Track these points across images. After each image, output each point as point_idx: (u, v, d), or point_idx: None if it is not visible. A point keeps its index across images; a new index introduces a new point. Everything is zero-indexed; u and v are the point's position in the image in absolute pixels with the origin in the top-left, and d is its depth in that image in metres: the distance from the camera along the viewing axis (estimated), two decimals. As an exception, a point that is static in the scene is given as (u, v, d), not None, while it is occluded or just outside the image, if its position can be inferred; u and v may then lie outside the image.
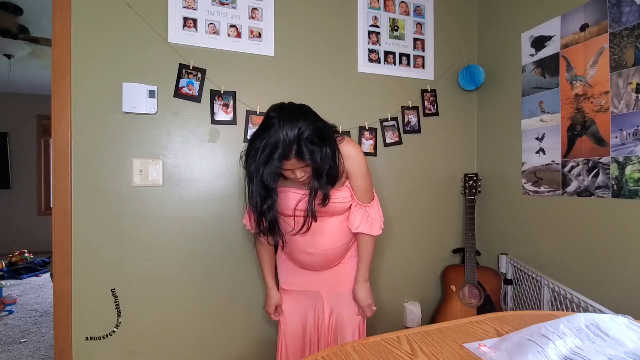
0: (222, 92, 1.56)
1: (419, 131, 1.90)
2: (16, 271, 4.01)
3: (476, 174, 1.88)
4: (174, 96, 1.50)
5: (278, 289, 1.39)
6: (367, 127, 1.78)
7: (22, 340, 2.42)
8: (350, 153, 1.16)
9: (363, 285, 1.30)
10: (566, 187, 1.52)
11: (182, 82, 1.50)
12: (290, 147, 0.98)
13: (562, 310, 1.47)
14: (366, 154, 1.74)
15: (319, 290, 1.34)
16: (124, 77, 1.43)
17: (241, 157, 1.10)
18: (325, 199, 1.12)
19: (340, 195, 1.20)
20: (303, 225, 1.13)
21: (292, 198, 1.17)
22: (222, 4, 1.56)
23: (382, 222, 1.29)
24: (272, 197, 1.08)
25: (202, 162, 1.55)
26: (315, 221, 1.14)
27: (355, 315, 1.35)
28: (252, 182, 1.06)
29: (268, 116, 1.03)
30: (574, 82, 1.48)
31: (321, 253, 1.26)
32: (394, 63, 1.85)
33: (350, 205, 1.25)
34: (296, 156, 0.99)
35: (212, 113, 1.55)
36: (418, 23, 1.90)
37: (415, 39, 1.89)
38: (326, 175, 1.07)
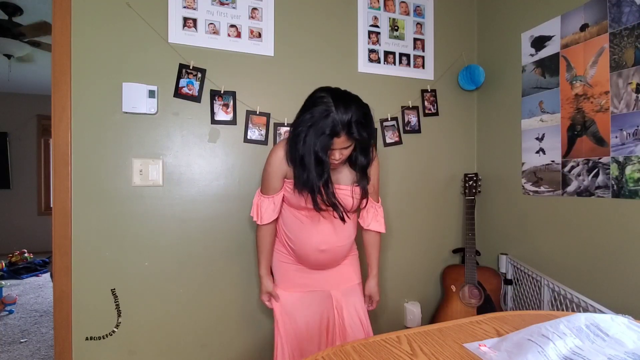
0: (222, 92, 1.56)
1: (419, 131, 1.90)
2: (16, 271, 4.01)
3: (476, 174, 1.88)
4: (174, 96, 1.50)
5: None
6: (367, 127, 1.78)
7: (22, 340, 2.42)
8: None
9: (376, 279, 1.41)
10: (566, 187, 1.52)
11: (182, 82, 1.50)
12: (344, 126, 1.06)
13: (562, 310, 1.47)
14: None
15: (328, 290, 1.34)
16: (124, 77, 1.43)
17: (292, 136, 1.14)
18: (368, 179, 1.25)
19: (357, 191, 1.27)
20: (360, 203, 1.26)
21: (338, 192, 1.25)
22: (222, 4, 1.56)
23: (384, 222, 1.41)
24: (327, 172, 1.13)
25: (202, 162, 1.55)
26: (366, 198, 1.26)
27: (362, 307, 1.37)
28: (303, 161, 1.11)
29: (318, 96, 1.10)
30: (574, 82, 1.48)
31: (333, 250, 1.29)
32: (394, 63, 1.85)
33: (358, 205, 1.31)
34: (346, 134, 1.07)
35: (212, 113, 1.55)
36: (418, 23, 1.90)
37: (415, 39, 1.89)
38: (364, 155, 1.20)
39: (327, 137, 1.06)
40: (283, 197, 1.28)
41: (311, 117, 1.07)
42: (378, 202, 1.38)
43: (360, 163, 1.21)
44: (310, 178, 1.12)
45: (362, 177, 1.24)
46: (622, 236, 1.32)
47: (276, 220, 1.33)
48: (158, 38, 1.47)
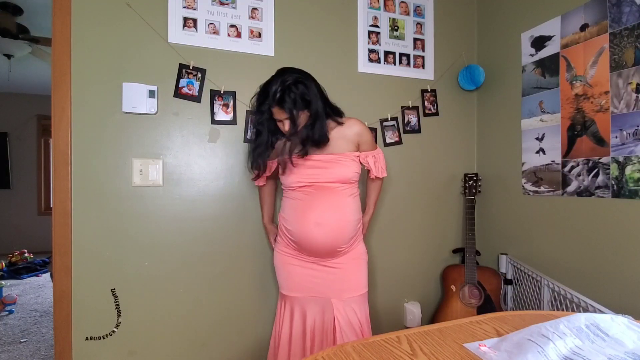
0: (222, 92, 1.56)
1: (419, 131, 1.90)
2: (16, 271, 4.01)
3: (476, 174, 1.88)
4: (174, 96, 1.50)
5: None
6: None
7: (22, 340, 2.42)
8: (358, 129, 1.35)
9: (369, 216, 1.54)
10: (566, 187, 1.52)
11: (182, 82, 1.50)
12: (274, 96, 1.18)
13: (562, 310, 1.47)
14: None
15: (330, 297, 1.33)
16: (124, 77, 1.43)
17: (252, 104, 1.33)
18: (305, 145, 1.26)
19: (348, 156, 1.32)
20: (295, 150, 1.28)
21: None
22: (222, 4, 1.56)
23: (385, 166, 1.47)
24: (261, 137, 1.30)
25: (202, 162, 1.55)
26: (310, 150, 1.28)
27: (364, 318, 1.35)
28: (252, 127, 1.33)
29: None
30: (574, 82, 1.48)
31: (330, 226, 1.28)
32: (394, 63, 1.85)
33: (356, 181, 1.37)
34: (277, 104, 1.19)
35: (212, 113, 1.55)
36: (418, 23, 1.90)
37: (415, 39, 1.89)
38: (309, 128, 1.24)
39: (263, 106, 1.22)
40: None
41: (259, 90, 1.25)
42: (376, 149, 1.43)
43: (314, 109, 1.24)
44: (251, 140, 1.32)
45: (312, 128, 1.25)
46: (622, 236, 1.32)
47: (267, 184, 1.50)
48: (158, 38, 1.47)
